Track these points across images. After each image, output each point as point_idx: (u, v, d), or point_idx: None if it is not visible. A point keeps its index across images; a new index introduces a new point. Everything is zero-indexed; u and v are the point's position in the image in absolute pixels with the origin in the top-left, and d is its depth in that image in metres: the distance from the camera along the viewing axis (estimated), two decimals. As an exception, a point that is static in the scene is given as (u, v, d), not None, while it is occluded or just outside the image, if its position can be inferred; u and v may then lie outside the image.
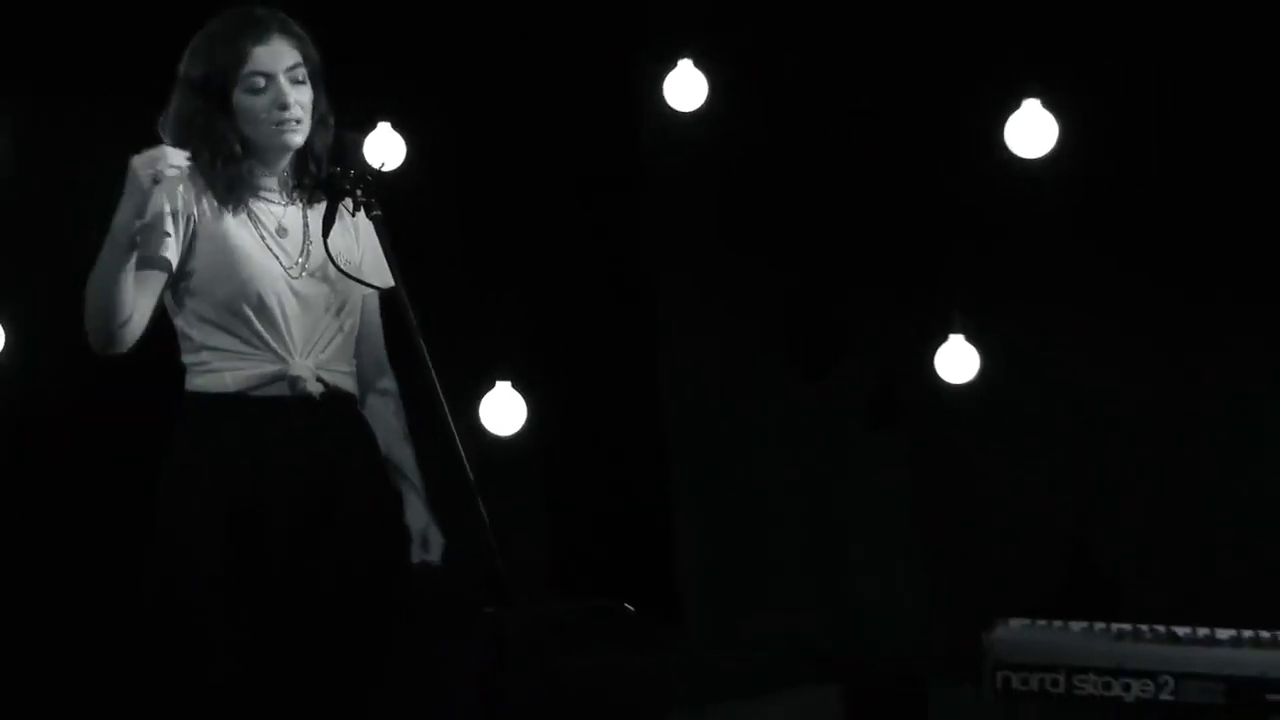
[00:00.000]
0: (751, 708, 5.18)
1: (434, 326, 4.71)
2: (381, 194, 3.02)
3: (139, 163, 2.77)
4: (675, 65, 5.17)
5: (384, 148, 5.21)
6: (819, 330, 5.70)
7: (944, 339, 5.13)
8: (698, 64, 5.15)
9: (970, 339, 5.11)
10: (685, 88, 5.17)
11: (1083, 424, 5.24)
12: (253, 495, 3.01)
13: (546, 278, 5.66)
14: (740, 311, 5.66)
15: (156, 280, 2.99)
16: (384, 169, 3.14)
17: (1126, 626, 3.07)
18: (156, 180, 2.77)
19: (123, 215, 2.81)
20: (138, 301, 2.93)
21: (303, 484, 3.04)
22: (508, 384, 5.05)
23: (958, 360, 5.13)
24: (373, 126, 5.18)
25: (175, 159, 2.82)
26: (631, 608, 5.71)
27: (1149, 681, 2.89)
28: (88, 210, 3.14)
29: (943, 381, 5.17)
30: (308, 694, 3.02)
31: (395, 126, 5.20)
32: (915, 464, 5.64)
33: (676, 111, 5.24)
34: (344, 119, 5.11)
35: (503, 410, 5.04)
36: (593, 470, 5.81)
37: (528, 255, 5.56)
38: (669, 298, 5.75)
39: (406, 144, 5.21)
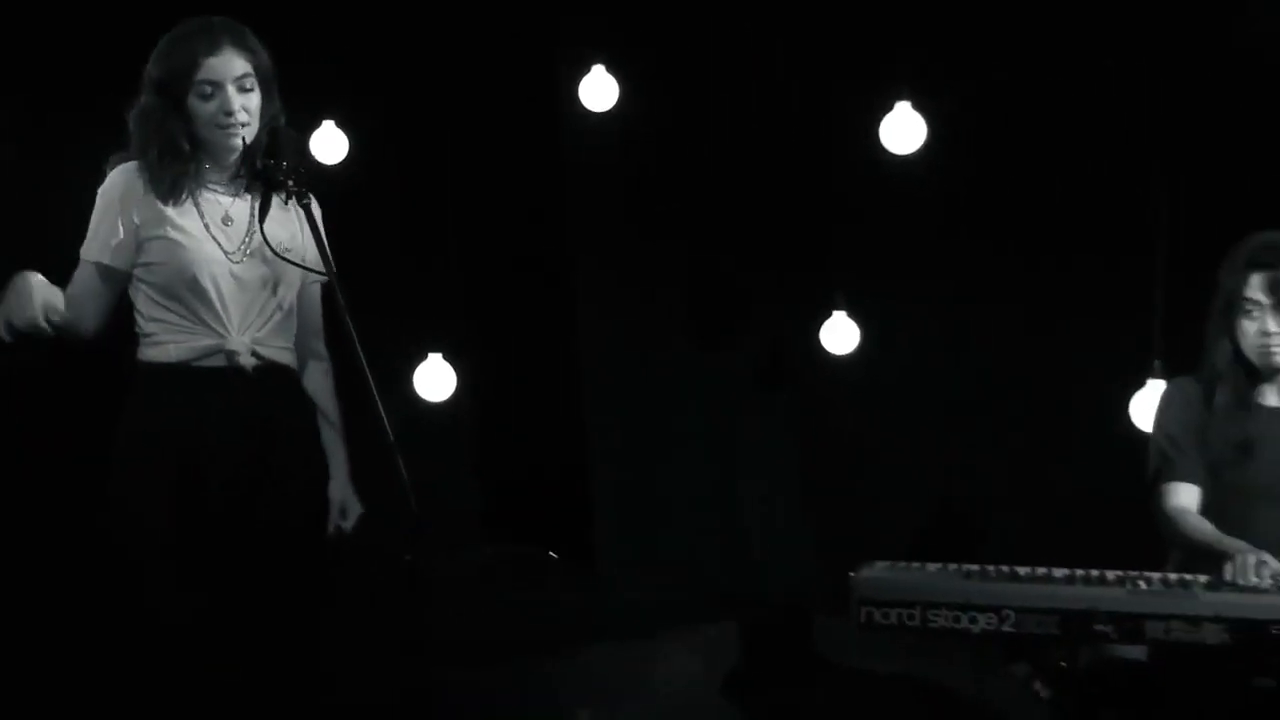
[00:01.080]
0: (658, 643, 5.20)
1: (374, 304, 4.70)
2: (312, 184, 2.99)
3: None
4: (589, 70, 5.17)
5: (329, 143, 5.18)
6: (717, 305, 5.73)
7: (828, 314, 5.17)
8: (609, 69, 5.15)
9: (851, 315, 5.15)
10: (598, 91, 5.18)
11: (948, 390, 5.29)
12: (195, 455, 2.99)
13: (475, 259, 5.66)
14: (648, 288, 5.68)
15: (111, 285, 3.01)
16: (313, 160, 3.09)
17: (974, 567, 3.08)
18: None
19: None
20: (92, 306, 3.00)
21: (239, 446, 3.02)
22: (439, 355, 5.04)
23: (840, 333, 5.17)
24: (318, 124, 5.15)
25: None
26: (553, 553, 5.73)
27: (993, 615, 2.90)
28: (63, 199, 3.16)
29: (826, 352, 5.21)
30: (249, 634, 3.01)
31: (338, 124, 5.17)
32: (803, 425, 5.69)
33: (591, 112, 5.24)
34: (291, 118, 5.10)
35: (435, 379, 5.03)
36: (516, 432, 5.82)
37: (459, 240, 5.55)
38: (585, 276, 5.77)
39: (349, 140, 5.18)
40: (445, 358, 5.04)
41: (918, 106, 4.69)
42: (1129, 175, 4.64)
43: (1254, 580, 2.92)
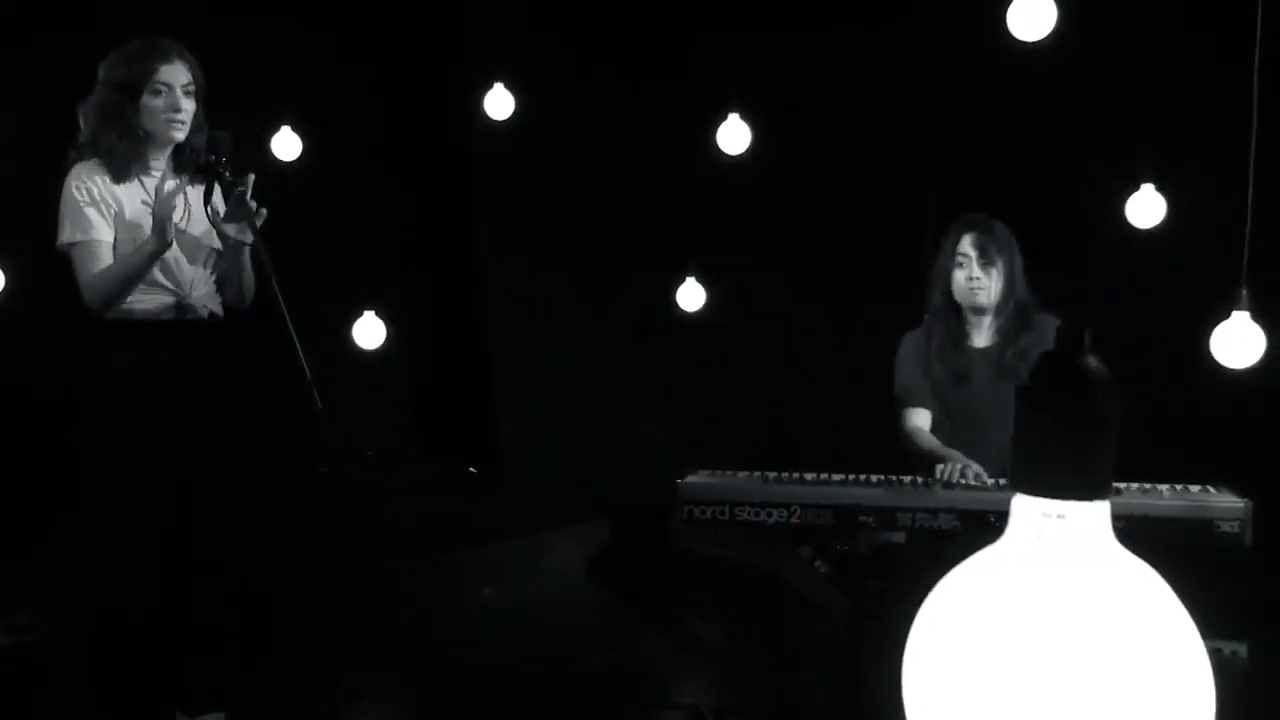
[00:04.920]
0: (550, 536, 5.22)
1: (319, 273, 4.61)
2: (241, 175, 2.92)
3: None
4: (491, 87, 5.12)
5: (286, 144, 5.09)
6: (598, 272, 5.73)
7: (682, 280, 5.19)
8: (507, 86, 5.11)
9: (699, 280, 5.18)
10: (499, 104, 5.13)
11: (773, 339, 5.36)
12: (160, 390, 2.94)
13: (403, 238, 5.60)
14: (544, 261, 5.66)
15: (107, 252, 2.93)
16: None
17: (771, 473, 3.09)
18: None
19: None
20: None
21: (195, 382, 2.98)
22: (372, 313, 4.99)
23: (691, 295, 5.21)
24: (278, 129, 5.06)
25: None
26: (474, 469, 5.72)
27: (783, 510, 2.92)
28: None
29: (681, 309, 5.24)
30: (206, 531, 2.97)
31: (293, 129, 5.08)
32: (663, 366, 5.72)
33: (494, 120, 5.19)
34: (257, 122, 4.98)
35: (369, 332, 4.99)
36: (436, 373, 5.79)
37: (390, 222, 5.49)
38: (493, 252, 5.73)
39: (302, 141, 5.09)
40: (377, 314, 5.00)
41: (745, 118, 4.72)
42: (908, 177, 4.71)
43: (958, 480, 2.99)
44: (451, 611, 4.53)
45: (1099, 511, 0.75)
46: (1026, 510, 0.76)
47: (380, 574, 4.59)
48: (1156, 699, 0.69)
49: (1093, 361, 0.76)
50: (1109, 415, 0.76)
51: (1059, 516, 0.75)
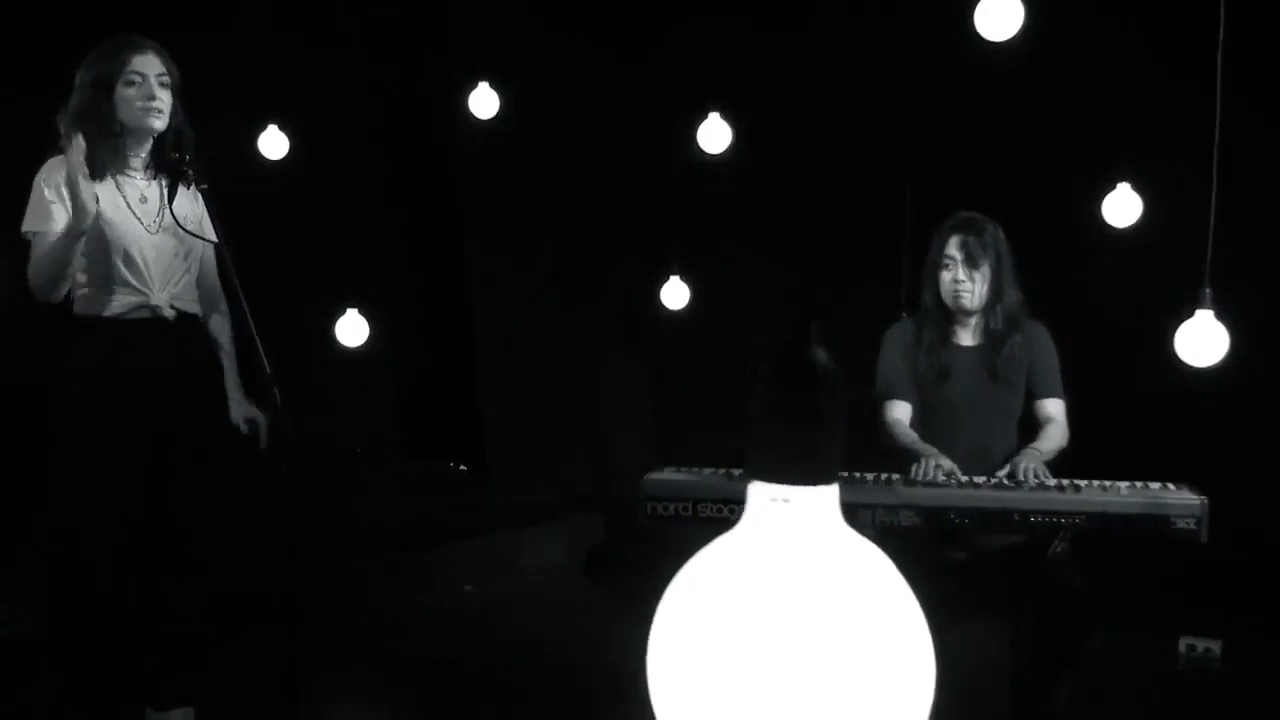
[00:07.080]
0: (539, 530, 5.22)
1: (303, 271, 4.60)
2: (208, 172, 2.92)
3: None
4: (476, 86, 5.12)
5: (272, 143, 5.09)
6: (582, 271, 5.73)
7: (666, 279, 5.19)
8: (492, 85, 5.11)
9: (683, 279, 5.18)
10: (484, 103, 5.13)
11: (756, 335, 5.33)
12: (129, 387, 2.93)
13: (386, 235, 5.60)
14: (528, 260, 5.67)
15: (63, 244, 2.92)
16: (198, 155, 2.99)
17: (736, 470, 3.09)
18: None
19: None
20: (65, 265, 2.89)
21: (163, 380, 2.97)
22: (355, 310, 5.00)
23: (675, 293, 5.21)
24: (264, 127, 5.06)
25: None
26: (460, 466, 5.72)
27: (745, 507, 2.93)
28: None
29: (665, 307, 5.24)
30: (173, 527, 2.97)
31: (280, 128, 5.08)
32: (648, 364, 5.72)
33: (479, 119, 5.20)
34: (242, 122, 4.98)
35: (352, 329, 4.99)
36: (422, 370, 5.79)
37: (375, 220, 5.49)
38: (476, 248, 5.72)
39: (289, 140, 5.09)
40: (360, 312, 5.00)
41: (725, 117, 4.71)
42: (888, 176, 4.69)
43: (932, 477, 2.97)
44: (433, 607, 4.54)
45: (824, 496, 0.76)
46: (758, 495, 0.78)
47: (364, 569, 4.60)
48: (875, 675, 0.71)
49: (819, 355, 0.78)
50: (832, 407, 0.78)
51: (785, 500, 0.77)
